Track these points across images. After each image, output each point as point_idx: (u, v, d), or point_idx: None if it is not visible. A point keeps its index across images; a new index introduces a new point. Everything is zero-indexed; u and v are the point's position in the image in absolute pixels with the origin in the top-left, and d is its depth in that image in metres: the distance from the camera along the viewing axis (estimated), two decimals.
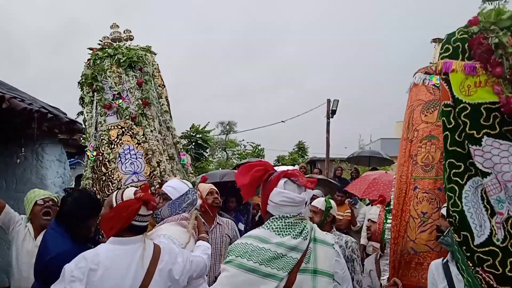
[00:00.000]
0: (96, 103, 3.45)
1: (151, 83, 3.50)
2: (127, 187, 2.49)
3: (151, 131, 3.30)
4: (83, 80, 3.55)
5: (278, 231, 1.89)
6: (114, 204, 2.15)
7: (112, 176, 3.26)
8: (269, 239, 1.86)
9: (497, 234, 1.88)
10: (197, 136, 18.52)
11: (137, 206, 2.13)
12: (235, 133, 35.90)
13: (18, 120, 4.74)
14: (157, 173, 3.30)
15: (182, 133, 18.27)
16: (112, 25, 3.71)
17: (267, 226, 1.93)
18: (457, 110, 1.96)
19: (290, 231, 1.89)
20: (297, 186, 1.97)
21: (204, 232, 2.83)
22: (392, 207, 3.06)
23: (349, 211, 6.89)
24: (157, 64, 3.69)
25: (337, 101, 16.99)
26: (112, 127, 3.36)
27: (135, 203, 2.13)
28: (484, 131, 1.88)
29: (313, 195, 3.82)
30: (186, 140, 18.34)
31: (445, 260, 2.48)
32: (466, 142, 1.95)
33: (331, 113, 16.98)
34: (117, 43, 3.62)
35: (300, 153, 25.67)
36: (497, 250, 1.86)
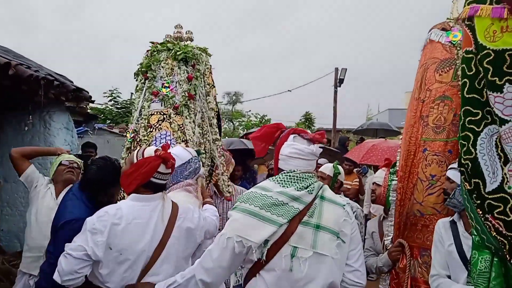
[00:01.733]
0: (146, 90, 3.65)
1: (201, 80, 3.73)
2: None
3: (190, 122, 3.50)
4: (139, 69, 3.78)
5: (282, 183, 1.95)
6: (135, 161, 2.22)
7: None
8: (272, 188, 1.93)
9: (509, 182, 1.89)
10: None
11: (157, 163, 2.20)
12: (241, 103, 35.80)
13: (25, 87, 4.73)
14: None
15: None
16: (176, 25, 3.98)
17: (273, 179, 2.00)
18: (479, 56, 1.93)
19: (295, 184, 1.95)
20: (307, 141, 2.04)
21: (209, 196, 2.91)
22: (398, 168, 3.02)
23: (357, 180, 6.93)
24: (210, 65, 3.93)
25: (345, 70, 16.79)
26: (155, 113, 3.53)
27: (155, 160, 2.20)
28: (506, 78, 1.85)
29: (318, 163, 3.83)
30: None
31: (451, 219, 2.50)
32: (486, 89, 1.93)
33: (339, 82, 16.81)
34: (178, 41, 3.88)
35: (307, 123, 25.59)
36: (508, 197, 1.87)
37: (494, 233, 1.90)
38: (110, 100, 16.26)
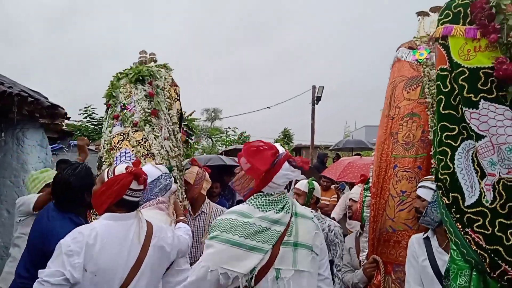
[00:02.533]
0: (108, 117, 3.83)
1: (162, 95, 3.86)
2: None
3: (155, 137, 3.59)
4: (105, 100, 3.98)
5: (261, 208, 1.93)
6: (106, 179, 2.18)
7: None
8: (252, 214, 1.90)
9: (486, 196, 1.95)
10: (183, 123, 18.41)
11: (129, 179, 2.16)
12: (220, 120, 35.81)
13: None
14: None
15: None
16: (140, 51, 4.18)
17: (250, 203, 1.97)
18: (454, 74, 2.02)
19: (272, 206, 1.94)
20: (292, 167, 2.02)
21: (183, 215, 2.89)
22: (371, 185, 3.07)
23: (335, 196, 6.98)
24: (171, 78, 4.05)
25: (322, 88, 17.07)
26: (116, 135, 3.66)
27: (127, 177, 2.17)
28: (481, 95, 1.95)
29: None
30: None
31: (425, 235, 2.54)
32: (461, 105, 2.01)
33: (316, 99, 17.07)
34: (138, 66, 4.06)
35: (285, 140, 25.71)
36: (486, 211, 1.93)
37: (474, 247, 1.93)
38: (86, 117, 16.08)
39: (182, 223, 2.72)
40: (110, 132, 3.72)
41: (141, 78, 3.82)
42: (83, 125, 15.88)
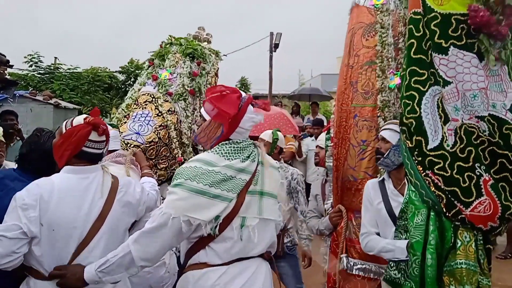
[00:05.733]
0: (145, 74, 3.86)
1: (204, 79, 3.89)
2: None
3: (187, 116, 3.64)
4: (150, 57, 3.99)
5: (227, 156, 1.89)
6: (64, 131, 2.07)
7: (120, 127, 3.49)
8: (217, 162, 1.86)
9: (448, 140, 2.02)
10: (137, 71, 17.77)
11: (87, 130, 2.06)
12: None
13: None
14: (166, 153, 3.54)
15: (120, 67, 17.44)
16: (199, 27, 4.25)
17: (215, 151, 1.91)
18: (426, 18, 2.01)
19: (238, 155, 1.91)
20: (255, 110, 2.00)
21: (148, 167, 2.78)
22: (332, 135, 3.08)
23: (292, 143, 7.13)
24: (218, 68, 4.13)
25: (280, 34, 16.77)
26: (145, 94, 3.66)
27: (84, 127, 2.06)
28: (451, 41, 1.97)
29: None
30: (124, 76, 17.53)
31: (381, 179, 2.62)
32: (431, 51, 2.02)
33: (274, 46, 16.82)
34: (196, 40, 4.08)
35: (243, 89, 25.48)
36: (447, 154, 2.00)
37: (433, 188, 2.01)
38: (31, 65, 15.04)
39: (147, 177, 2.62)
40: (139, 89, 3.73)
41: (192, 55, 3.88)
42: (28, 74, 14.89)
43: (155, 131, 3.42)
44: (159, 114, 3.49)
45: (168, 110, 3.54)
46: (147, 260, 1.86)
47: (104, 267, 1.88)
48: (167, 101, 3.61)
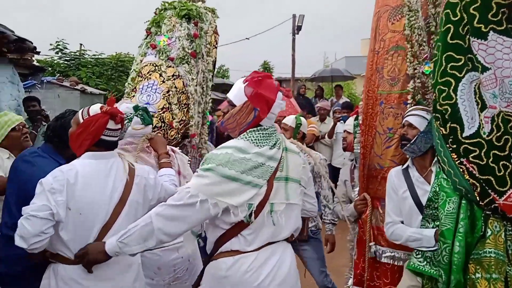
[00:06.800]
0: (144, 44, 3.74)
1: (204, 39, 3.79)
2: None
3: (192, 79, 3.54)
4: (147, 27, 3.88)
5: (257, 143, 1.92)
6: (81, 121, 2.12)
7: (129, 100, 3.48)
8: (249, 149, 1.89)
9: (484, 128, 1.99)
10: None
11: (105, 119, 2.11)
12: None
13: None
14: (181, 118, 3.49)
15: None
16: None
17: (246, 138, 1.94)
18: (464, 3, 1.96)
19: (267, 142, 1.93)
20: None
21: (166, 156, 2.68)
22: (360, 122, 3.04)
23: (314, 125, 7.11)
24: (216, 25, 3.99)
25: (302, 16, 16.51)
26: (148, 64, 3.56)
27: (102, 117, 2.11)
28: (491, 26, 1.93)
29: None
30: None
31: (405, 166, 2.57)
32: (469, 36, 1.97)
33: (297, 29, 16.58)
34: (190, 1, 3.95)
35: None
36: (483, 142, 1.98)
37: (467, 176, 1.99)
38: (57, 52, 15.29)
39: (165, 169, 2.56)
40: (141, 61, 3.64)
41: (188, 16, 3.76)
42: (54, 61, 15.16)
43: (164, 97, 3.41)
44: (164, 80, 3.46)
45: (173, 75, 3.51)
46: (166, 235, 1.89)
47: (125, 237, 1.92)
48: (170, 66, 3.54)
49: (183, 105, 3.50)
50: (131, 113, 2.62)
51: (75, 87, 9.11)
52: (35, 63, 8.28)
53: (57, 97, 8.52)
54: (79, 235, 2.04)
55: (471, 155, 2.00)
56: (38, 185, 2.01)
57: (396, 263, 2.77)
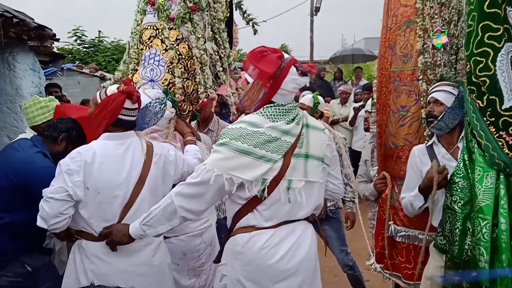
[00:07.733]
0: (142, 1, 3.13)
1: None
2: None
3: (197, 38, 3.01)
4: None
5: (272, 118, 1.91)
6: (99, 101, 2.19)
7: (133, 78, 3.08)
8: (262, 124, 1.89)
9: None
10: None
11: (122, 98, 2.17)
12: None
13: None
14: (186, 84, 3.00)
15: None
16: None
17: (260, 113, 1.93)
18: None
19: (283, 117, 1.92)
20: (300, 73, 1.98)
21: (190, 134, 2.76)
22: (375, 100, 3.00)
23: (326, 108, 7.09)
24: None
25: None
26: (148, 27, 3.02)
27: (119, 96, 2.17)
28: None
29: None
30: None
31: (429, 143, 2.51)
32: (505, 5, 1.91)
33: (315, 10, 16.32)
34: None
35: None
36: None
37: (507, 150, 1.93)
38: (76, 40, 15.51)
39: (189, 145, 2.66)
40: (141, 20, 3.09)
41: None
42: (74, 48, 15.38)
43: (168, 70, 2.90)
44: (166, 49, 2.94)
45: (176, 39, 2.97)
46: (189, 212, 1.92)
47: (148, 220, 1.96)
48: (172, 28, 2.98)
49: (191, 72, 3.01)
50: (163, 97, 2.64)
51: (95, 74, 9.25)
52: (55, 50, 8.41)
53: (77, 84, 8.68)
54: (99, 213, 2.12)
55: (511, 127, 1.93)
56: (57, 167, 2.11)
57: (411, 242, 2.76)
